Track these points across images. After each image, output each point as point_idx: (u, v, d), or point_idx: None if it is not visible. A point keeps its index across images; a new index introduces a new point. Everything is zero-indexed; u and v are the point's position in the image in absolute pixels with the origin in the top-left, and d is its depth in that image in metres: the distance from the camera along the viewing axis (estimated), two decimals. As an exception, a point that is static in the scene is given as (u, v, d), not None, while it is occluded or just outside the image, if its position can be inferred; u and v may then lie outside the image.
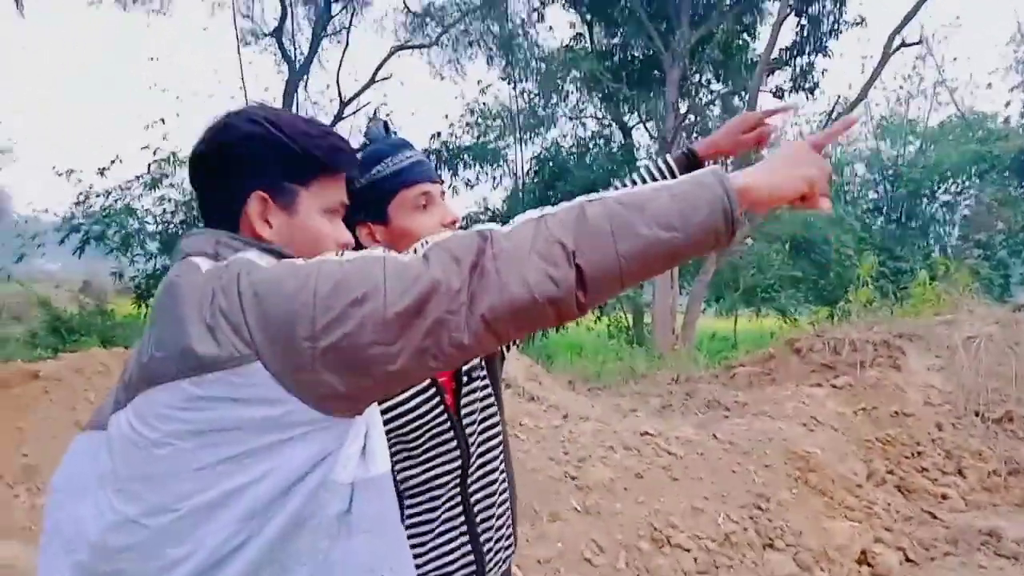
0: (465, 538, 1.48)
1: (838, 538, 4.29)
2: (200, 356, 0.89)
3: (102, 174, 14.39)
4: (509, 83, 18.75)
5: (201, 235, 1.04)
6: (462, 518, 1.49)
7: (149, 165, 14.81)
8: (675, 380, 8.67)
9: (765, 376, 7.44)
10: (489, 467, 1.54)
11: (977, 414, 6.36)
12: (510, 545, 1.59)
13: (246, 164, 1.04)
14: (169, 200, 15.43)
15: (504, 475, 1.58)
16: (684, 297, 15.92)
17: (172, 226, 15.51)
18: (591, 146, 19.13)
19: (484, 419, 1.55)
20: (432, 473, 1.46)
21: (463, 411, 1.50)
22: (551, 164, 18.05)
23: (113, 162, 14.32)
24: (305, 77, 15.78)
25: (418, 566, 1.42)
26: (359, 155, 1.47)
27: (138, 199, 15.08)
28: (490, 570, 1.51)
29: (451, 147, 17.34)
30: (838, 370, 6.85)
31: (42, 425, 3.91)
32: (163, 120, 14.52)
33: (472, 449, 1.50)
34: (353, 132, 16.55)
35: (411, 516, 1.45)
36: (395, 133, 1.60)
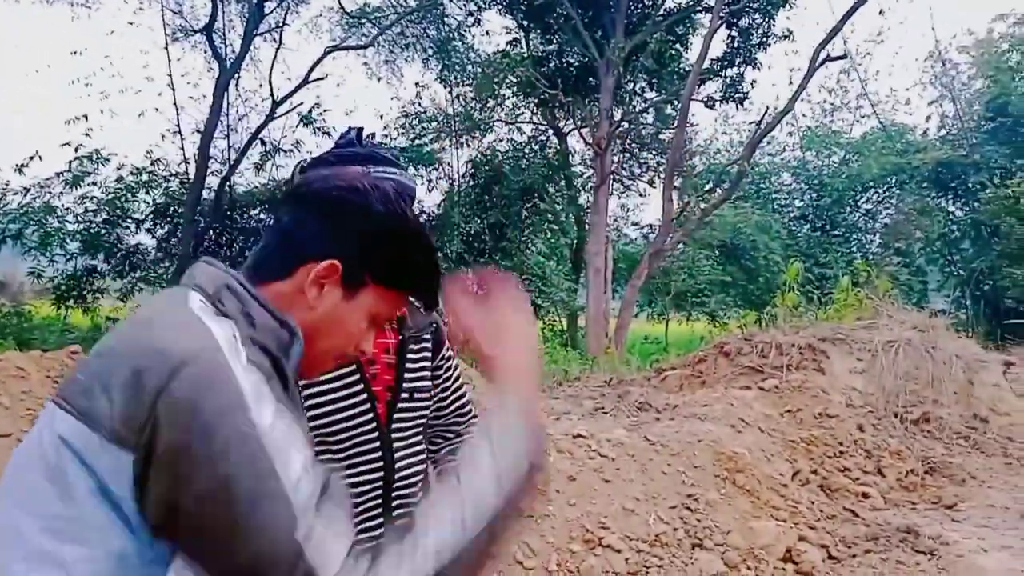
0: None
1: (764, 537, 4.39)
2: (84, 403, 0.81)
3: (20, 171, 13.81)
4: (445, 86, 18.72)
5: (214, 269, 0.96)
6: (380, 531, 1.47)
7: (70, 162, 14.29)
8: (608, 383, 8.75)
9: (695, 379, 7.58)
10: (413, 489, 1.53)
11: (896, 415, 6.60)
12: None
13: (350, 237, 0.99)
14: (91, 199, 14.90)
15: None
16: (617, 301, 16.12)
17: (94, 225, 14.99)
18: (527, 151, 19.21)
19: (415, 442, 1.54)
20: (351, 480, 1.45)
21: (394, 425, 1.50)
22: (487, 168, 18.06)
23: (32, 158, 13.76)
24: (236, 75, 15.43)
25: None
26: (328, 156, 1.45)
27: (58, 197, 14.52)
28: None
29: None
30: (765, 373, 7.02)
31: (-50, 431, 3.72)
32: (86, 116, 14.02)
33: (397, 464, 1.49)
34: (285, 132, 16.27)
35: None
36: (369, 141, 1.56)
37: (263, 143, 16.38)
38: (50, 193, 14.49)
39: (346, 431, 1.44)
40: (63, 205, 14.66)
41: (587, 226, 17.04)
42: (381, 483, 1.48)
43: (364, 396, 1.46)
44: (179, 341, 0.81)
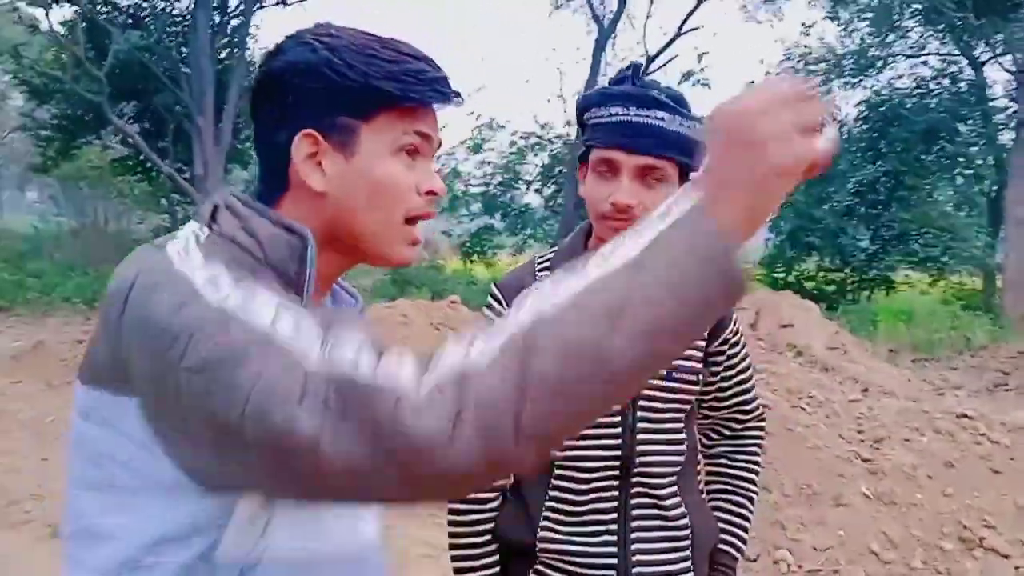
0: (612, 539, 1.31)
1: None
2: (95, 360, 0.79)
3: (429, 141, 15.94)
4: (836, 22, 17.19)
5: (215, 194, 0.90)
6: (614, 515, 1.31)
7: (472, 130, 15.94)
8: (1022, 354, 7.52)
9: None
10: (660, 481, 1.33)
11: None
12: None
13: (293, 96, 0.86)
14: (489, 163, 16.49)
15: (682, 510, 1.35)
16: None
17: (491, 188, 16.57)
18: (932, 86, 16.93)
19: (668, 428, 1.33)
20: (582, 453, 1.30)
21: (640, 402, 1.31)
22: (882, 108, 16.27)
23: (442, 128, 15.68)
24: (613, 35, 15.77)
25: (558, 541, 1.32)
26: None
27: (462, 163, 16.33)
28: None
29: (767, 97, 16.36)
30: None
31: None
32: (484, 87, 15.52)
33: (638, 448, 1.31)
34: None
35: (555, 490, 1.33)
36: (633, 78, 1.30)
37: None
38: (456, 160, 16.33)
39: None
40: (467, 171, 16.46)
41: (1008, 169, 14.54)
42: (617, 465, 1.30)
43: None
44: (130, 270, 0.77)
